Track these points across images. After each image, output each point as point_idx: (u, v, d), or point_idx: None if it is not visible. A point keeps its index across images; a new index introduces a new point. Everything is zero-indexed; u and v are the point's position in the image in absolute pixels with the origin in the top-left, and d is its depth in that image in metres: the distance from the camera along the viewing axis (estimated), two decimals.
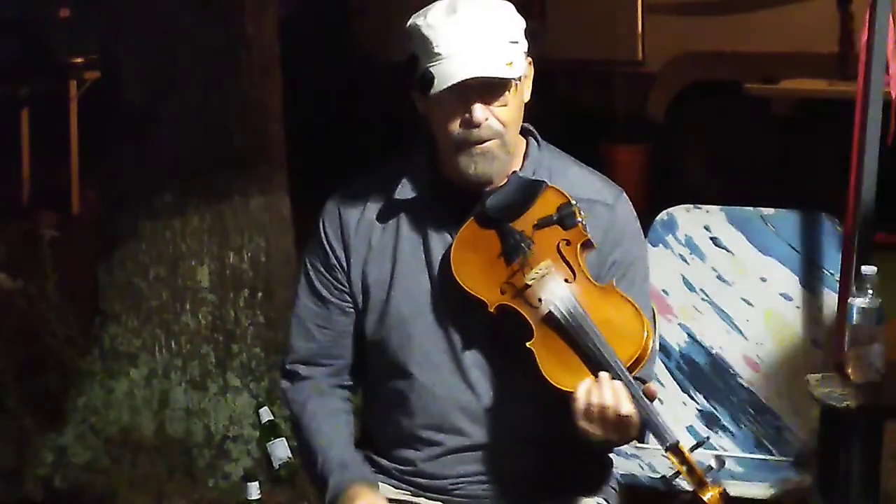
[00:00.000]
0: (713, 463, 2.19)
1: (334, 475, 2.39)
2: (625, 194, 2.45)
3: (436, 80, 2.25)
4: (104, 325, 4.47)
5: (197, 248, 4.41)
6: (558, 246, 2.31)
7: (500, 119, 2.30)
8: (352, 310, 2.46)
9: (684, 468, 2.18)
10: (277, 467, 4.33)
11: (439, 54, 2.25)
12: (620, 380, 2.20)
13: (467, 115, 2.28)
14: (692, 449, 2.19)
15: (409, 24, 2.31)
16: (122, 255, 4.45)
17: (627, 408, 2.19)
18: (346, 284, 2.45)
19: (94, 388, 4.42)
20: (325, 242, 2.46)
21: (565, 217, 2.31)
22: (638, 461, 3.32)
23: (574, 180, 2.40)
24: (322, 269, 2.46)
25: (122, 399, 4.39)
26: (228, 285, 4.43)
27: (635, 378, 2.23)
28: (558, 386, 2.23)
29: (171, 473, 4.30)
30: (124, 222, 4.47)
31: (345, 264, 2.44)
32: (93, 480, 4.30)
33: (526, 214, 2.33)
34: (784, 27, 7.47)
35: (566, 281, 2.29)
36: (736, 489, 3.19)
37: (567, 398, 2.22)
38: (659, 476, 2.17)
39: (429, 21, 2.27)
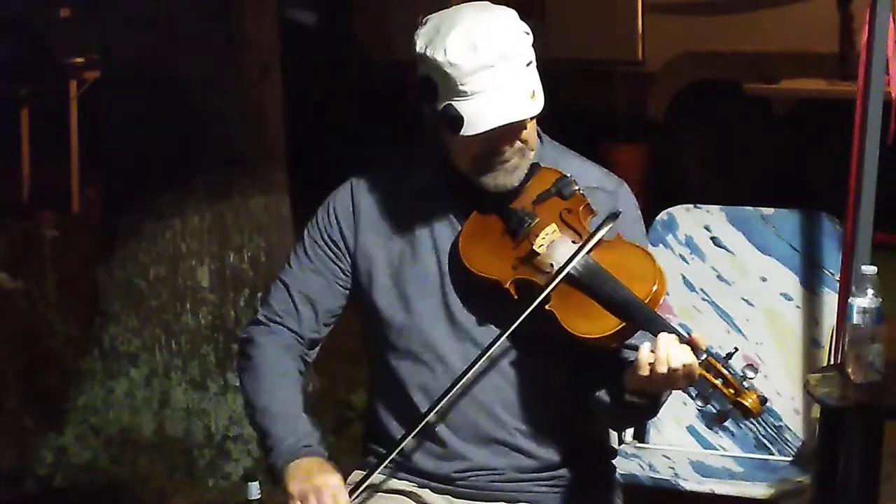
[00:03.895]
0: (747, 371, 2.21)
1: (286, 440, 2.34)
2: (626, 184, 2.48)
3: (465, 122, 2.26)
4: (104, 325, 4.47)
5: (197, 248, 4.41)
6: (561, 214, 2.36)
7: (521, 138, 2.34)
8: (341, 288, 2.47)
9: (719, 381, 2.20)
10: None
11: (465, 92, 2.26)
12: (646, 317, 2.23)
13: (492, 147, 2.32)
14: (725, 359, 2.22)
15: (424, 51, 2.29)
16: (122, 255, 4.46)
17: (690, 357, 2.20)
18: (346, 263, 2.46)
19: (94, 387, 4.43)
20: (333, 218, 2.47)
21: (562, 188, 2.37)
22: (638, 461, 3.32)
23: (576, 171, 2.43)
24: (322, 242, 2.47)
25: (122, 399, 4.39)
26: (228, 285, 4.44)
27: None
28: (584, 336, 2.26)
29: (172, 473, 4.31)
30: (124, 222, 4.47)
31: (351, 243, 2.46)
32: (93, 480, 4.30)
33: (524, 194, 2.38)
34: (784, 27, 7.46)
35: (573, 242, 2.33)
36: (736, 489, 3.19)
37: (602, 348, 2.28)
38: (696, 391, 2.21)
39: (450, 59, 2.25)
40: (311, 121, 7.77)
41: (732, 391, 2.20)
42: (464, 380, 2.33)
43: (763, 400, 2.21)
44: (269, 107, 4.54)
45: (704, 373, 2.21)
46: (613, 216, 2.35)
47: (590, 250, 2.32)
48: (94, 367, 4.45)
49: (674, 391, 2.37)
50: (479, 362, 2.34)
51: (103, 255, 4.53)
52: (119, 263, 4.46)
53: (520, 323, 2.30)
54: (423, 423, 2.35)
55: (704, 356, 2.21)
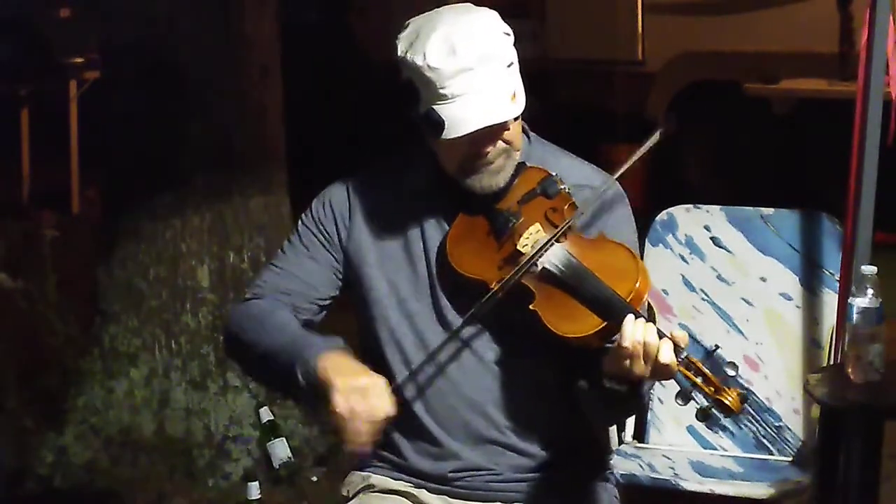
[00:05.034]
0: (728, 370, 2.22)
1: (311, 344, 2.31)
2: (616, 181, 2.47)
3: (447, 126, 2.26)
4: (104, 325, 4.47)
5: (197, 248, 4.41)
6: (545, 214, 2.36)
7: (505, 139, 2.34)
8: (333, 277, 2.47)
9: (699, 379, 2.21)
10: (277, 467, 4.33)
11: (446, 96, 2.26)
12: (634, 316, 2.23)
13: (475, 149, 2.32)
14: (705, 357, 2.22)
15: (405, 55, 2.30)
16: (122, 255, 4.46)
17: (670, 349, 2.20)
18: (339, 254, 2.46)
19: (94, 388, 4.43)
20: (328, 210, 2.48)
21: (547, 187, 2.37)
22: (638, 461, 3.32)
23: (565, 169, 2.44)
24: (316, 231, 2.48)
25: (122, 399, 4.39)
26: (228, 285, 4.44)
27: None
28: (567, 335, 2.27)
29: (171, 473, 4.31)
30: (124, 222, 4.47)
31: (344, 236, 2.46)
32: (93, 480, 4.30)
33: (509, 194, 2.39)
34: (784, 27, 7.46)
35: (557, 241, 2.33)
36: (736, 489, 3.19)
37: (586, 347, 2.28)
38: (677, 388, 2.22)
39: (430, 63, 2.25)
40: (311, 121, 7.77)
41: (712, 389, 2.20)
42: (437, 356, 2.35)
43: (743, 398, 2.21)
44: (269, 107, 4.54)
45: (684, 370, 2.21)
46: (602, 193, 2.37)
47: (567, 231, 2.32)
48: (94, 367, 4.45)
49: (669, 391, 2.37)
50: (464, 357, 2.35)
51: (103, 255, 4.53)
52: (119, 263, 4.46)
53: (491, 299, 2.30)
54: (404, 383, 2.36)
55: (685, 354, 2.22)
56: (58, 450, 4.35)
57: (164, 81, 4.37)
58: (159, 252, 4.42)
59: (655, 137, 2.42)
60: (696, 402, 2.23)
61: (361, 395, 2.22)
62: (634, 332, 2.20)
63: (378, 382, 2.26)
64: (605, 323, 2.26)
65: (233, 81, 4.44)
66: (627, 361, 2.21)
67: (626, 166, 2.41)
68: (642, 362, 2.20)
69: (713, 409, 2.22)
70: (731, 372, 2.21)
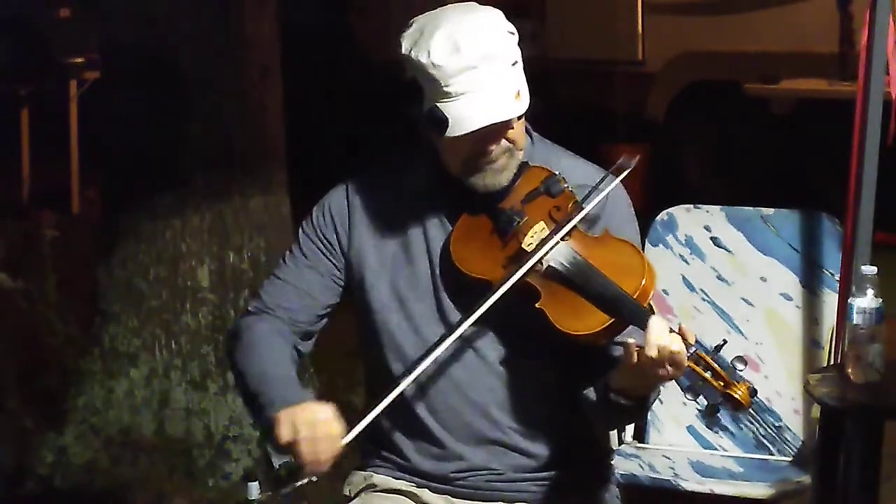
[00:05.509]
0: (736, 363, 2.21)
1: (281, 394, 2.31)
2: (618, 181, 2.46)
3: (451, 124, 2.26)
4: (104, 325, 4.47)
5: (197, 248, 4.41)
6: (549, 212, 2.36)
7: (508, 138, 2.34)
8: (335, 285, 2.47)
9: (708, 374, 2.21)
10: (277, 467, 4.32)
11: (449, 93, 2.27)
12: (635, 312, 2.23)
13: (479, 147, 2.32)
14: (714, 352, 2.22)
15: (409, 53, 2.30)
16: (122, 255, 4.46)
17: (679, 344, 2.18)
18: (340, 261, 2.46)
19: (94, 388, 4.42)
20: (328, 217, 2.48)
21: (551, 185, 2.37)
22: (638, 461, 3.32)
23: (567, 169, 2.44)
24: (316, 239, 2.48)
25: (122, 399, 4.39)
26: (228, 285, 4.44)
27: None
28: (574, 333, 2.26)
29: (171, 473, 4.31)
30: (124, 222, 4.47)
31: (345, 242, 2.46)
32: (93, 480, 4.30)
33: (512, 193, 2.39)
34: (784, 27, 7.47)
35: (562, 239, 2.33)
36: (736, 489, 3.19)
37: (592, 345, 2.28)
38: (686, 384, 2.21)
39: (433, 60, 2.26)
40: (311, 121, 7.77)
41: (722, 383, 2.20)
42: (435, 352, 2.32)
43: (752, 392, 2.21)
44: (269, 107, 4.54)
45: (693, 365, 2.21)
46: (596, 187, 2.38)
47: (571, 228, 2.32)
48: (94, 367, 4.45)
49: (670, 391, 2.36)
50: (466, 357, 2.35)
51: (103, 255, 4.53)
52: (119, 263, 4.46)
53: (499, 299, 2.29)
54: (400, 387, 2.33)
55: (693, 349, 2.21)
56: (58, 450, 4.35)
57: (164, 81, 4.37)
58: (159, 252, 4.42)
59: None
60: (704, 399, 2.23)
61: (306, 423, 2.23)
62: (651, 340, 2.18)
63: (323, 408, 2.25)
64: (612, 320, 2.26)
65: (233, 81, 4.44)
66: (649, 370, 2.19)
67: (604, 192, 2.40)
68: (655, 370, 2.20)
69: (721, 405, 2.22)
70: (739, 366, 2.21)
